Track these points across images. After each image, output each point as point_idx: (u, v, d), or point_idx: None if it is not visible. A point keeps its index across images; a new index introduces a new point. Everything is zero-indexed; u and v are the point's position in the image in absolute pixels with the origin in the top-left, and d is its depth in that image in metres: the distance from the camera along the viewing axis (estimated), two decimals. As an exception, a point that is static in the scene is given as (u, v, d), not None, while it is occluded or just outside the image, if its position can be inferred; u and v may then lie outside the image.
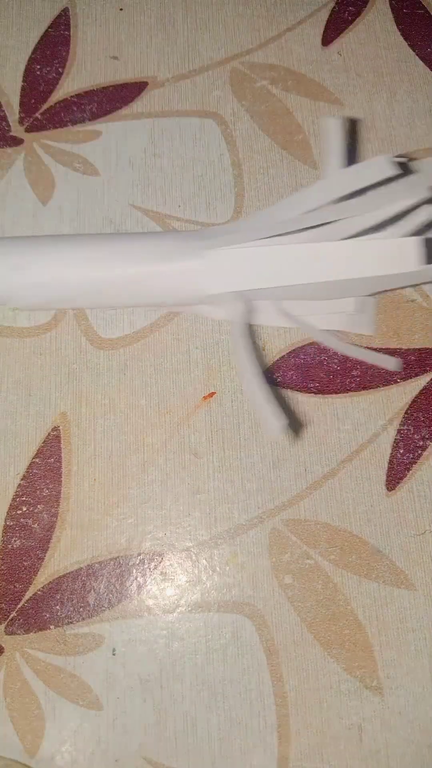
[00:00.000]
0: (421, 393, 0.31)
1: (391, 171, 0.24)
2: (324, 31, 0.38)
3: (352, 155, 0.34)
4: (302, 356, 0.32)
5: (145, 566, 0.29)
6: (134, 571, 0.29)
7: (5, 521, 0.29)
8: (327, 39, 0.38)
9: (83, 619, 0.28)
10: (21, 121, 0.35)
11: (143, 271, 0.27)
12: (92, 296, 0.28)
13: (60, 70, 0.36)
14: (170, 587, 0.29)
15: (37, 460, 0.30)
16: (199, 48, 0.37)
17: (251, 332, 0.31)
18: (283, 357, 0.32)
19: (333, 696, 0.28)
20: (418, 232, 0.27)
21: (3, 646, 0.28)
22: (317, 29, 0.38)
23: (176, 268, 0.27)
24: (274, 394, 0.31)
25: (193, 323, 0.32)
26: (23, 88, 0.36)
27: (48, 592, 0.28)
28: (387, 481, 0.30)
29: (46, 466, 0.30)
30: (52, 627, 0.28)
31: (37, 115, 0.35)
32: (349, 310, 0.30)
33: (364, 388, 0.31)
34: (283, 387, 0.31)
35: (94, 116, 0.35)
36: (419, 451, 0.30)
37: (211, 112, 0.36)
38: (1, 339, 0.32)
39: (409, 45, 0.38)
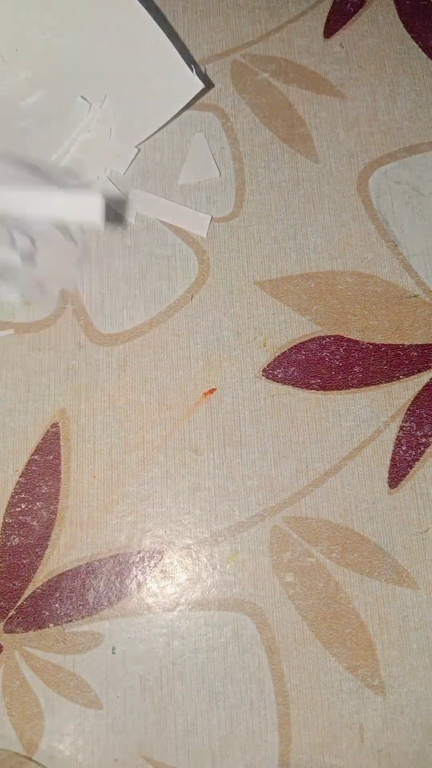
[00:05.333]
0: (424, 389, 0.31)
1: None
2: (326, 23, 0.37)
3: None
4: (304, 352, 0.31)
5: (145, 564, 0.29)
6: (134, 569, 0.29)
7: (4, 518, 0.29)
8: (329, 31, 0.37)
9: (83, 617, 0.28)
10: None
11: None
12: None
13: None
14: (170, 585, 0.29)
15: (36, 456, 0.30)
16: (199, 40, 0.36)
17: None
18: (284, 353, 0.31)
19: (334, 695, 0.27)
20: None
21: (2, 644, 0.28)
22: (319, 21, 0.37)
23: None
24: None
25: (193, 319, 0.32)
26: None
27: (47, 590, 0.28)
28: (389, 478, 0.30)
29: (45, 463, 0.30)
30: (51, 625, 0.28)
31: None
32: None
33: (366, 385, 0.31)
34: (285, 383, 0.31)
35: (94, 109, 0.35)
36: (422, 448, 0.30)
37: (212, 105, 0.35)
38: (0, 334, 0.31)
39: (412, 37, 0.37)
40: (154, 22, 0.32)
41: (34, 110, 0.33)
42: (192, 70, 0.33)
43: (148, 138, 0.34)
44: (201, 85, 0.33)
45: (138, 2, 0.32)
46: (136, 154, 0.34)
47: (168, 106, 0.34)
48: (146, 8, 0.32)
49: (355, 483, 0.30)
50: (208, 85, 0.35)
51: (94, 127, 0.33)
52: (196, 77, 0.33)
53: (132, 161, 0.34)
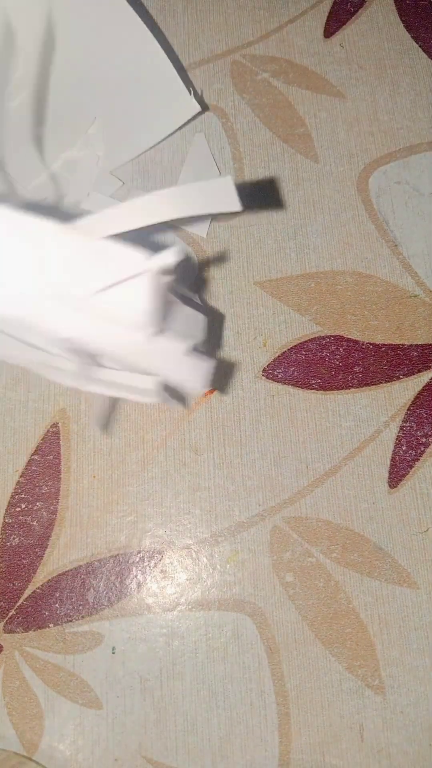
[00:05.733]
0: (424, 389, 0.31)
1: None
2: (326, 23, 0.37)
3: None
4: (304, 352, 0.31)
5: (145, 564, 0.29)
6: (134, 569, 0.29)
7: (4, 519, 0.29)
8: (329, 31, 0.37)
9: (83, 617, 0.28)
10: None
11: None
12: None
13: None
14: (170, 585, 0.29)
15: (36, 456, 0.30)
16: (199, 40, 0.36)
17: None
18: (284, 353, 0.31)
19: (334, 695, 0.27)
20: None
21: (2, 644, 0.28)
22: (319, 21, 0.37)
23: None
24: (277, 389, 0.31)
25: (193, 319, 0.32)
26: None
27: (47, 590, 0.28)
28: (389, 478, 0.30)
29: (45, 463, 0.30)
30: (51, 625, 0.28)
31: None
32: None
33: (366, 385, 0.31)
34: (285, 383, 0.31)
35: (94, 109, 0.35)
36: (422, 448, 0.30)
37: (212, 105, 0.35)
38: None
39: (412, 37, 0.37)
40: (155, 41, 0.32)
41: (17, 114, 0.32)
42: (190, 92, 0.32)
43: (137, 156, 0.34)
44: (197, 108, 0.33)
45: (139, 18, 0.31)
46: (119, 186, 0.33)
47: (161, 127, 0.34)
48: (147, 26, 0.32)
49: (355, 483, 0.30)
50: (204, 108, 0.35)
51: (79, 147, 0.33)
52: (194, 100, 0.32)
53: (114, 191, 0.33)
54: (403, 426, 0.30)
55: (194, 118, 0.34)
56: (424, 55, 0.37)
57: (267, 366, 0.31)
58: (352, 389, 0.31)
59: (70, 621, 0.28)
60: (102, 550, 0.29)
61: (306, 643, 0.28)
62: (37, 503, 0.29)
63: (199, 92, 0.35)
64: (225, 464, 0.30)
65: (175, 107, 0.33)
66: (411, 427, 0.30)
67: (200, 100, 0.34)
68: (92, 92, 0.33)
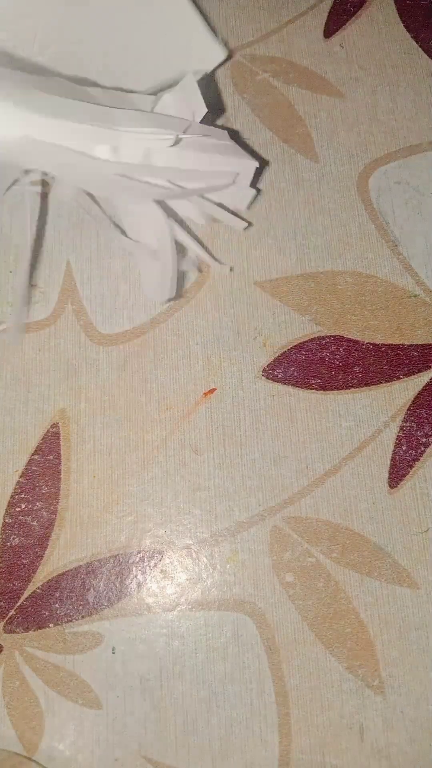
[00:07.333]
0: (424, 389, 0.31)
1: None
2: (326, 23, 0.37)
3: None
4: (304, 352, 0.31)
5: (145, 564, 0.29)
6: (134, 569, 0.29)
7: (4, 518, 0.29)
8: (329, 31, 0.37)
9: (83, 617, 0.28)
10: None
11: None
12: None
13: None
14: (170, 585, 0.29)
15: (36, 456, 0.30)
16: (199, 40, 0.36)
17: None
18: (284, 353, 0.31)
19: (334, 695, 0.27)
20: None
21: (2, 644, 0.28)
22: (319, 21, 0.37)
23: None
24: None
25: (193, 319, 0.32)
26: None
27: (47, 590, 0.28)
28: (389, 478, 0.30)
29: (45, 463, 0.30)
30: (51, 625, 0.28)
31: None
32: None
33: (367, 384, 0.31)
34: (285, 383, 0.31)
35: (94, 109, 0.35)
36: (422, 448, 0.30)
37: (212, 105, 0.35)
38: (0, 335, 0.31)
39: (412, 37, 0.37)
40: None
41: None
42: (217, 38, 0.32)
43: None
44: (225, 53, 0.32)
45: None
46: None
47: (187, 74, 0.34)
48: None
49: (355, 483, 0.30)
50: (229, 55, 0.35)
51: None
52: (221, 46, 0.32)
53: None
54: (403, 426, 0.30)
55: (221, 65, 0.34)
56: (424, 55, 0.37)
57: (267, 366, 0.31)
58: (352, 389, 0.31)
59: (70, 621, 0.28)
60: (102, 550, 0.29)
61: (306, 643, 0.28)
62: (37, 503, 0.29)
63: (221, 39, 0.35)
64: (225, 464, 0.30)
65: (203, 54, 0.33)
66: (411, 427, 0.30)
67: (225, 45, 0.35)
68: (118, 45, 0.33)
